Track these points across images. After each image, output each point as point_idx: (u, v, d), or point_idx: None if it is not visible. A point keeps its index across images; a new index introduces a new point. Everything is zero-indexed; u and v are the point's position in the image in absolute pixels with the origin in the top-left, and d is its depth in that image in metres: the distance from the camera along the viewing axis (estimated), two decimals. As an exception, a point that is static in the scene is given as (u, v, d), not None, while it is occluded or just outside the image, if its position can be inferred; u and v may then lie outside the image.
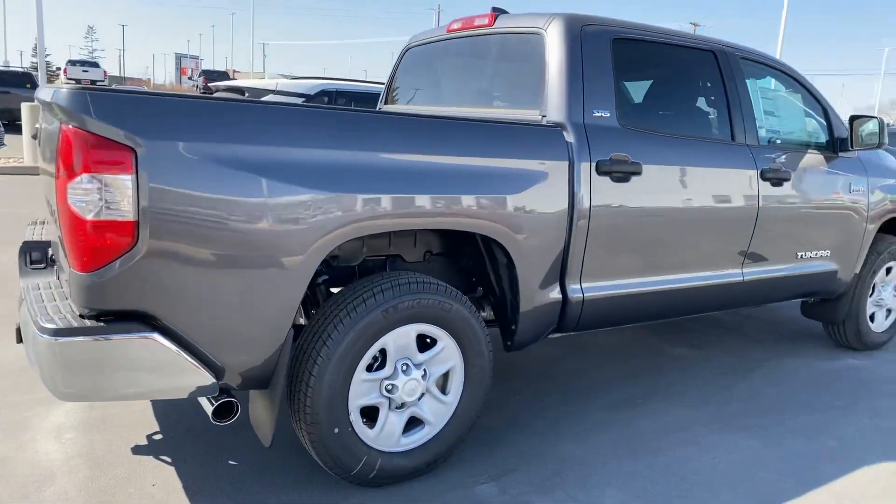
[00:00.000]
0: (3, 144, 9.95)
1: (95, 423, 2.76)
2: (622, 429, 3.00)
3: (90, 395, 1.89)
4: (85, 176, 1.75)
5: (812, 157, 3.60)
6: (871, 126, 3.60)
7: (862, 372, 3.95)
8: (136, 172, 1.78)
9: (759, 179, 3.26)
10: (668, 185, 2.91)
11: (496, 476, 2.54)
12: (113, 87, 3.36)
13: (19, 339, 2.52)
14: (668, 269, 3.03)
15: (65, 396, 1.87)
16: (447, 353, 2.45)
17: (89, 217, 1.77)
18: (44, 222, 3.10)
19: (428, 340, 2.42)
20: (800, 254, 3.61)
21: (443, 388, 2.49)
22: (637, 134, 2.84)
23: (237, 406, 2.11)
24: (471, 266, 2.80)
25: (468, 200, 2.34)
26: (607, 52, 2.82)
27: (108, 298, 1.85)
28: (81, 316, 1.89)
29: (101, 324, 1.85)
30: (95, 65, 32.72)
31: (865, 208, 3.85)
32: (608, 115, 2.76)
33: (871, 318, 4.28)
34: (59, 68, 39.35)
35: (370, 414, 2.37)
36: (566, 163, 2.60)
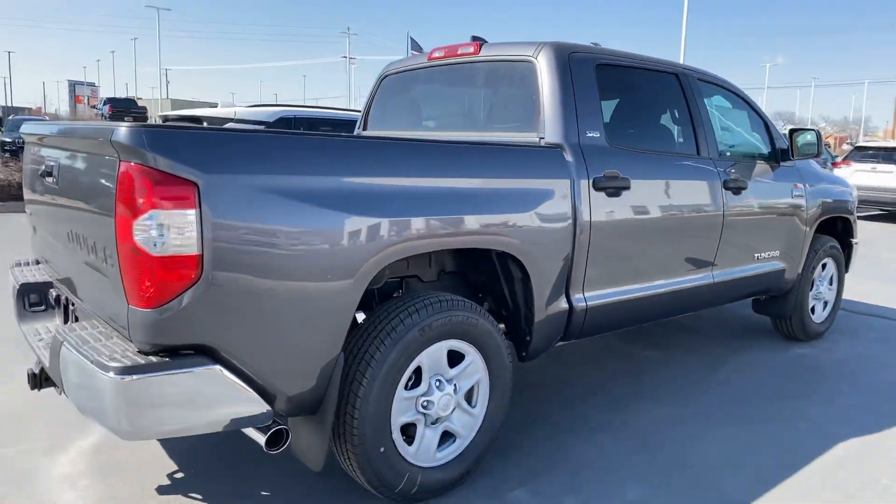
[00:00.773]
0: None
1: (107, 469, 2.67)
2: (621, 428, 3.20)
3: (154, 431, 1.88)
4: (152, 212, 1.76)
5: (760, 167, 3.97)
6: (809, 137, 4.02)
7: (811, 360, 4.34)
8: (199, 206, 1.81)
9: (723, 189, 3.57)
10: (652, 198, 3.15)
11: (524, 482, 2.66)
12: (169, 123, 3.31)
13: (34, 386, 2.43)
14: (656, 275, 3.27)
15: (129, 435, 1.85)
16: (474, 366, 2.56)
17: (155, 253, 1.78)
18: (36, 262, 2.98)
19: (455, 356, 2.52)
20: (756, 255, 3.96)
21: (469, 401, 2.59)
22: (624, 152, 3.07)
23: (288, 433, 2.13)
24: (482, 282, 2.92)
25: (491, 219, 2.48)
26: (593, 77, 3.04)
27: (171, 333, 1.85)
28: (140, 352, 1.88)
29: (166, 359, 1.85)
30: None
31: (805, 212, 4.27)
32: (598, 135, 2.97)
33: (812, 310, 4.71)
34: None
35: (407, 431, 2.43)
36: (568, 181, 2.79)
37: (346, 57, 60.43)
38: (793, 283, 4.38)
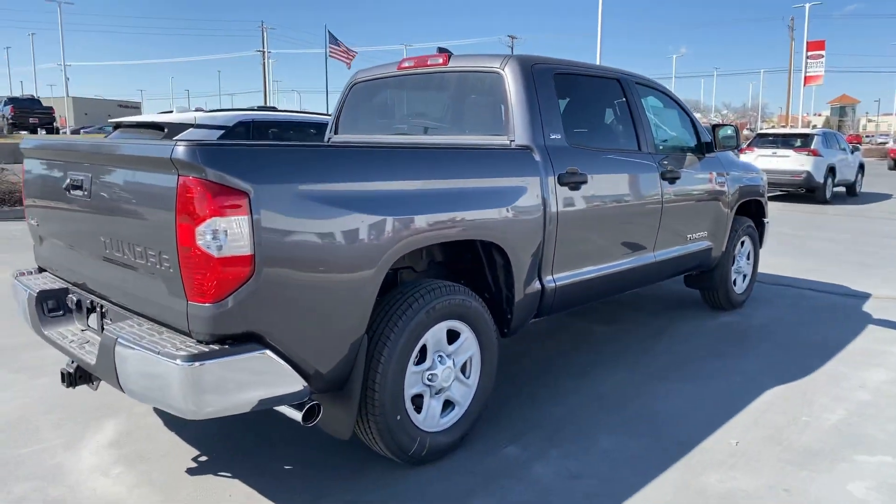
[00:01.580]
0: None
1: (133, 458, 2.88)
2: (588, 392, 3.65)
3: (215, 410, 2.14)
4: (212, 219, 2.02)
5: (689, 159, 4.52)
6: (729, 131, 4.61)
7: (737, 326, 4.97)
8: (251, 212, 2.08)
9: (661, 179, 4.09)
10: (606, 190, 3.61)
11: (513, 440, 3.06)
12: (217, 141, 3.51)
13: (70, 384, 2.63)
14: (609, 257, 3.74)
15: (194, 414, 2.10)
16: (468, 343, 2.93)
17: (216, 254, 2.04)
18: (40, 271, 3.12)
19: (452, 335, 2.88)
20: (689, 235, 4.52)
21: (464, 373, 2.96)
22: (580, 150, 3.51)
23: (321, 408, 2.43)
24: (465, 270, 3.28)
25: (480, 214, 2.85)
26: (552, 85, 3.46)
27: (227, 324, 2.12)
28: (200, 342, 2.14)
29: (225, 346, 2.12)
30: None
31: (727, 197, 4.87)
32: (560, 137, 3.39)
33: (734, 283, 5.36)
34: None
35: (415, 402, 2.78)
36: (538, 178, 3.19)
37: (261, 51, 59.10)
38: (718, 260, 4.98)
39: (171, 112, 6.29)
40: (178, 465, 2.83)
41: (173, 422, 3.22)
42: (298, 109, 9.33)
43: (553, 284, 3.36)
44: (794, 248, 8.37)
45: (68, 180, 2.60)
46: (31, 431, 3.11)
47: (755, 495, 2.62)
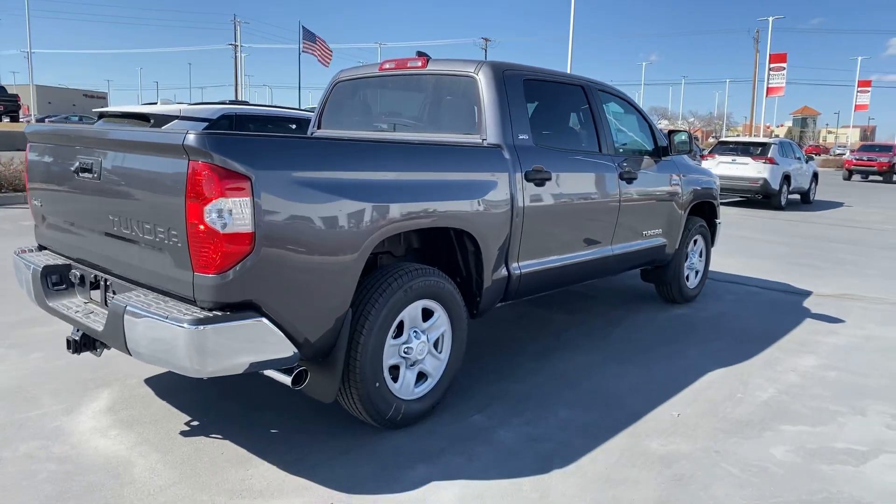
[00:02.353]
0: None
1: (129, 422, 3.11)
2: (550, 372, 3.99)
3: (216, 369, 2.40)
4: (220, 199, 2.29)
5: (646, 161, 4.90)
6: (683, 137, 5.01)
7: (688, 318, 5.38)
8: (252, 195, 2.36)
9: (619, 179, 4.45)
10: (567, 187, 3.95)
11: (479, 410, 3.38)
12: (223, 131, 3.79)
13: (76, 350, 2.87)
14: (570, 249, 4.08)
15: (199, 373, 2.37)
16: (441, 321, 3.24)
17: (222, 231, 2.31)
18: (40, 248, 3.33)
19: (426, 313, 3.19)
20: (644, 232, 4.90)
21: (437, 348, 3.27)
22: (545, 150, 3.84)
23: (308, 373, 2.71)
24: (438, 256, 3.58)
25: (455, 204, 3.16)
26: (521, 90, 3.79)
27: (229, 293, 2.39)
28: (203, 309, 2.40)
29: (228, 313, 2.39)
30: None
31: (681, 197, 5.27)
32: (527, 137, 3.72)
33: (687, 278, 5.77)
34: None
35: (392, 372, 3.07)
36: (507, 174, 3.52)
37: (233, 45, 58.62)
38: (672, 256, 5.38)
39: (156, 104, 6.46)
40: (172, 427, 3.08)
41: (164, 391, 3.46)
42: (269, 104, 9.52)
43: (518, 271, 3.68)
44: (746, 249, 8.87)
45: (77, 163, 2.83)
46: (30, 399, 3.32)
47: (691, 456, 2.98)
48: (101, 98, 67.34)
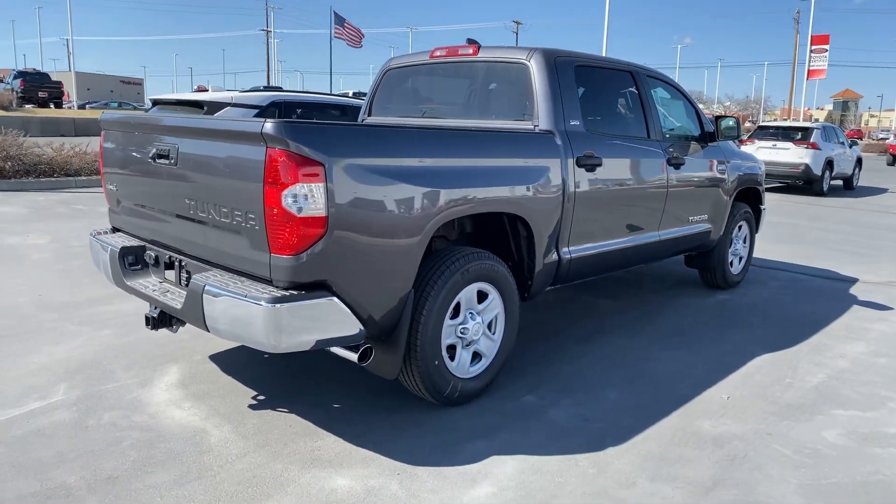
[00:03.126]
0: None
1: (200, 396, 3.29)
2: (596, 355, 4.07)
3: (291, 345, 2.54)
4: (297, 185, 2.42)
5: (693, 147, 4.91)
6: (731, 123, 4.99)
7: (731, 302, 5.39)
8: (326, 180, 2.48)
9: (667, 165, 4.48)
10: (617, 173, 4.00)
11: (531, 390, 3.48)
12: (296, 119, 3.98)
13: (154, 327, 3.04)
14: (618, 234, 4.14)
15: (275, 349, 2.52)
16: (494, 303, 3.34)
17: (298, 214, 2.44)
18: (114, 230, 3.51)
19: (481, 295, 3.29)
20: (690, 218, 4.92)
21: (490, 330, 3.37)
22: (596, 136, 3.90)
23: (373, 350, 2.84)
24: (491, 241, 3.67)
25: (511, 190, 3.25)
26: (572, 76, 3.84)
27: (304, 273, 2.52)
28: (278, 288, 2.54)
29: (302, 292, 2.52)
30: None
31: (726, 183, 5.27)
32: (578, 123, 3.78)
33: (731, 264, 5.77)
34: None
35: (449, 352, 3.19)
36: (559, 160, 3.58)
37: (265, 30, 59.10)
38: (717, 242, 5.39)
39: (208, 91, 6.64)
40: (240, 401, 3.24)
41: (230, 367, 3.63)
42: (301, 90, 9.67)
43: (569, 256, 3.76)
44: (789, 236, 8.77)
45: (154, 150, 2.99)
46: (107, 373, 3.52)
47: (743, 437, 3.05)
48: (138, 84, 68.46)
